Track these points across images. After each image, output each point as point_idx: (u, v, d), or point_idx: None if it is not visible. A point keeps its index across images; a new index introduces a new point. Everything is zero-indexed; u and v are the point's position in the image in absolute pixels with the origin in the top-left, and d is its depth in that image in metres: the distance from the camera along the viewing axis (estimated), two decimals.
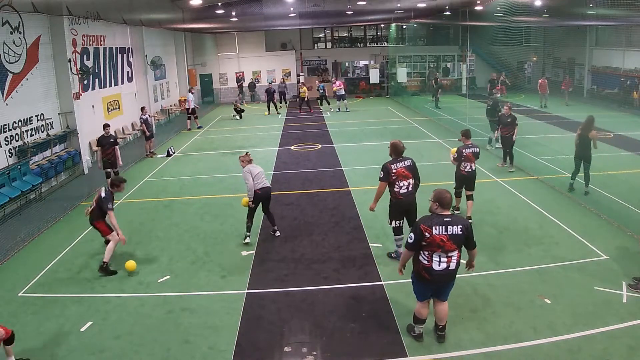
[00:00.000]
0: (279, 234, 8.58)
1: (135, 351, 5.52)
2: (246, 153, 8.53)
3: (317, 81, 27.89)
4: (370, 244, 8.15)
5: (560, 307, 6.03)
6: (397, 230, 7.30)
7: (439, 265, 5.02)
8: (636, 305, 6.01)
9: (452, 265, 5.06)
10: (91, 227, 7.71)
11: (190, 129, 20.55)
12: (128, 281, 7.21)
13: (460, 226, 4.99)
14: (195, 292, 6.82)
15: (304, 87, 24.77)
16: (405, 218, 7.20)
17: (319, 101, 25.48)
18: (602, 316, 5.79)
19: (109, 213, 7.33)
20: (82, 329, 5.96)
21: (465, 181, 8.94)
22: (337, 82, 24.15)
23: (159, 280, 7.18)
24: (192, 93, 20.60)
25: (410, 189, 7.03)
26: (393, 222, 7.23)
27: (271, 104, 24.25)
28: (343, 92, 23.81)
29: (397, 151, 7.04)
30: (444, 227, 4.95)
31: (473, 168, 8.91)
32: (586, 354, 5.14)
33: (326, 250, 8.00)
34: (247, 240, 8.33)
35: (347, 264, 7.47)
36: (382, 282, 6.85)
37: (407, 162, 7.02)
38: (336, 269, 7.33)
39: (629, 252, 7.50)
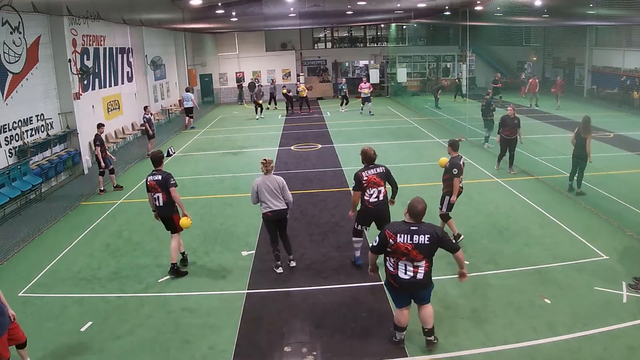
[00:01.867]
0: (294, 264, 7.45)
1: (135, 351, 5.52)
2: (268, 160, 7.15)
3: (342, 80, 27.33)
4: (370, 244, 8.11)
5: (560, 307, 6.03)
6: (357, 233, 7.26)
7: (405, 273, 4.95)
8: (636, 305, 6.01)
9: (420, 276, 4.94)
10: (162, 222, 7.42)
11: (187, 127, 20.50)
12: (128, 281, 7.21)
13: (428, 235, 4.85)
14: (195, 292, 6.82)
15: (302, 86, 24.68)
16: (376, 225, 7.10)
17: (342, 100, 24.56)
18: (602, 316, 5.79)
19: (172, 189, 7.10)
20: (82, 329, 5.96)
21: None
22: (367, 84, 22.54)
23: (159, 280, 7.17)
24: (188, 92, 20.37)
25: (381, 198, 6.87)
26: (359, 225, 7.20)
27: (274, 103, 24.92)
28: (368, 95, 22.47)
29: (368, 158, 6.95)
30: (409, 235, 4.86)
31: None
32: (586, 354, 5.14)
33: (326, 250, 8.00)
34: (280, 270, 7.32)
35: (347, 264, 7.48)
36: (382, 282, 6.82)
37: (380, 169, 6.92)
38: (336, 269, 7.34)
39: (629, 252, 7.50)
